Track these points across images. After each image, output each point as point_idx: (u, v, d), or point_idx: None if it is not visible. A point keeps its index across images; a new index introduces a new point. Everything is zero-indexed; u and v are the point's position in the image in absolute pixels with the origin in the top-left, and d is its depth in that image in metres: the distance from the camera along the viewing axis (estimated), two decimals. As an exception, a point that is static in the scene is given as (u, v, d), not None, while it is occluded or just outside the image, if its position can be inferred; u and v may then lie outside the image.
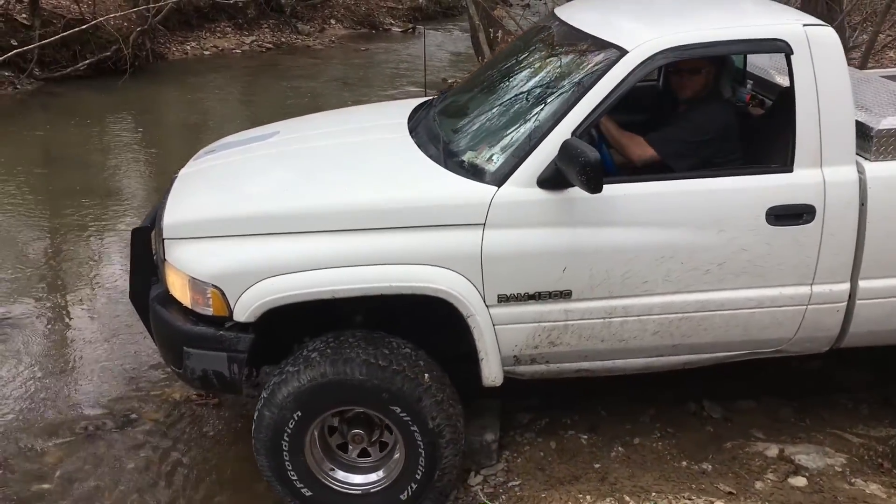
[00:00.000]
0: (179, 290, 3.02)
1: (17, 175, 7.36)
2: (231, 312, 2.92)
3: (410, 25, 15.92)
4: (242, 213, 3.06)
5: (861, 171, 3.09)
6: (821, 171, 3.06)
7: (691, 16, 3.41)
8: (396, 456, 3.11)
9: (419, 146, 3.35)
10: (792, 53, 3.05)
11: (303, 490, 3.13)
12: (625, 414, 3.75)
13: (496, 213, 2.94)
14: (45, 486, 3.50)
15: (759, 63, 3.97)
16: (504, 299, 3.01)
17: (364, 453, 3.22)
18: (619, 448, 3.54)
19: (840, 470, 3.34)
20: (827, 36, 3.10)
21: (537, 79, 3.41)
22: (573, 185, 2.88)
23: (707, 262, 3.07)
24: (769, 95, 3.77)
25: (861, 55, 7.86)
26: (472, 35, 10.48)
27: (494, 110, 3.39)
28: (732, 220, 3.04)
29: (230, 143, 3.92)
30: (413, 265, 2.93)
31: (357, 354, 2.95)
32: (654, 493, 3.16)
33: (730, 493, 3.19)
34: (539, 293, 3.03)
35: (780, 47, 3.08)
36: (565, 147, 2.84)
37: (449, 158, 3.17)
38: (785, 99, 3.18)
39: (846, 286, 3.18)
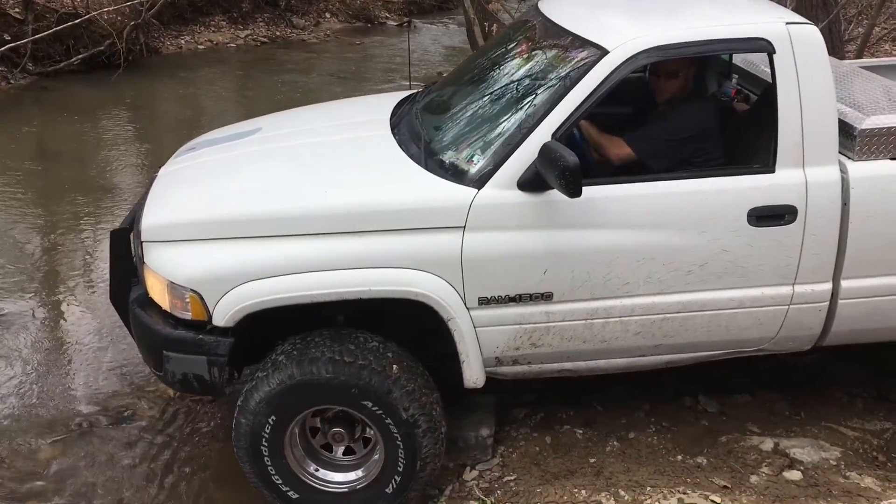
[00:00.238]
0: (158, 293, 3.01)
1: (11, 170, 7.34)
2: (210, 317, 2.91)
3: (406, 19, 15.84)
4: (220, 216, 3.05)
5: (844, 171, 3.08)
6: (803, 172, 3.05)
7: (674, 14, 3.38)
8: (377, 451, 3.11)
9: (400, 144, 3.33)
10: (774, 53, 3.03)
11: (289, 493, 3.14)
12: (620, 408, 3.76)
13: (476, 216, 2.93)
14: (39, 483, 3.51)
15: (745, 56, 3.94)
16: (485, 302, 3.01)
17: (349, 451, 3.23)
18: (615, 442, 3.55)
19: (835, 463, 3.35)
20: (810, 35, 3.07)
21: (518, 78, 3.38)
22: (553, 188, 2.86)
23: (689, 263, 3.07)
24: (755, 90, 3.74)
25: (857, 48, 7.84)
26: (468, 29, 10.43)
27: (475, 109, 3.38)
28: (714, 221, 3.03)
29: (211, 140, 3.90)
30: (392, 268, 2.92)
31: (322, 353, 2.95)
32: (649, 488, 3.17)
33: (725, 487, 3.19)
34: (520, 295, 3.02)
35: (762, 46, 3.06)
36: (544, 150, 2.83)
37: (429, 158, 3.16)
38: (767, 97, 3.16)
39: (828, 286, 3.17)
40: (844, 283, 3.17)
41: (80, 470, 3.59)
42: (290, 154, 3.51)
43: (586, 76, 2.97)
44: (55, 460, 3.65)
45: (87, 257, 5.73)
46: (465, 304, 2.99)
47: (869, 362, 3.99)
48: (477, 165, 3.02)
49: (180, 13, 13.03)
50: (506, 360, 3.17)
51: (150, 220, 3.14)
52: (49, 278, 5.41)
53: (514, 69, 3.48)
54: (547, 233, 2.97)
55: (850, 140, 3.12)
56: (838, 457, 3.40)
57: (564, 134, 2.98)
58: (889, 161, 3.12)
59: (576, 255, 3.00)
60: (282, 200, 3.10)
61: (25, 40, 9.96)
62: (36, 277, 5.39)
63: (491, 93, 3.41)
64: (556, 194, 2.88)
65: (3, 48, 9.59)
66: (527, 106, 3.10)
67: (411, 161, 3.18)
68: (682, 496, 3.10)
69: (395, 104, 3.84)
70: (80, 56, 10.68)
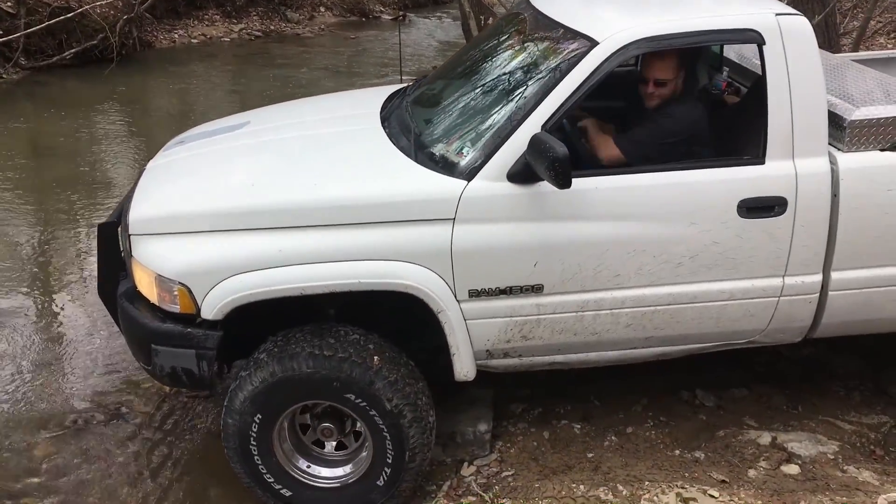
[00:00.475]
0: (146, 286, 3.00)
1: (3, 165, 7.33)
2: (199, 310, 2.90)
3: (401, 13, 15.82)
4: (208, 209, 3.03)
5: (833, 162, 3.08)
6: (793, 163, 3.04)
7: (665, 6, 3.37)
8: (366, 444, 3.11)
9: (390, 137, 3.32)
10: (764, 44, 3.02)
11: (282, 491, 3.15)
12: (617, 403, 3.76)
13: (466, 208, 2.92)
14: (35, 479, 3.50)
15: (736, 48, 3.94)
16: (475, 294, 3.00)
17: (341, 446, 3.22)
18: (612, 437, 3.56)
19: (832, 457, 3.36)
20: (800, 26, 3.06)
21: (508, 70, 3.37)
22: (543, 180, 2.86)
23: (679, 254, 3.06)
24: (746, 83, 3.74)
25: (853, 41, 7.84)
26: (463, 22, 10.42)
27: (465, 102, 3.36)
28: (704, 213, 3.03)
29: (200, 133, 3.89)
30: (382, 261, 2.91)
31: (302, 348, 2.95)
32: (647, 482, 3.18)
33: (723, 481, 3.20)
34: (510, 288, 3.02)
35: (752, 38, 3.05)
36: (534, 142, 2.82)
37: (419, 151, 3.15)
38: (758, 89, 3.16)
39: (818, 277, 3.17)
40: (834, 275, 3.17)
41: (76, 467, 3.58)
42: (279, 147, 3.50)
43: (576, 67, 2.96)
44: (50, 457, 3.64)
45: (80, 253, 5.72)
46: (455, 296, 2.98)
47: (866, 356, 3.99)
48: (467, 157, 3.01)
49: (173, 7, 13.00)
50: (497, 353, 3.17)
51: (138, 213, 3.12)
52: (42, 274, 5.40)
53: (505, 61, 3.47)
54: (537, 225, 2.97)
55: (840, 131, 3.11)
56: (836, 450, 3.41)
57: (554, 125, 2.97)
58: (879, 152, 3.12)
59: (566, 247, 2.99)
60: (270, 193, 3.08)
61: (18, 34, 9.93)
62: (29, 273, 5.37)
63: (481, 85, 3.40)
64: (546, 186, 2.87)
65: (-5, 43, 9.57)
66: (517, 98, 3.09)
67: (401, 153, 3.17)
68: (681, 491, 3.10)
69: (385, 98, 3.83)
70: (73, 50, 10.66)
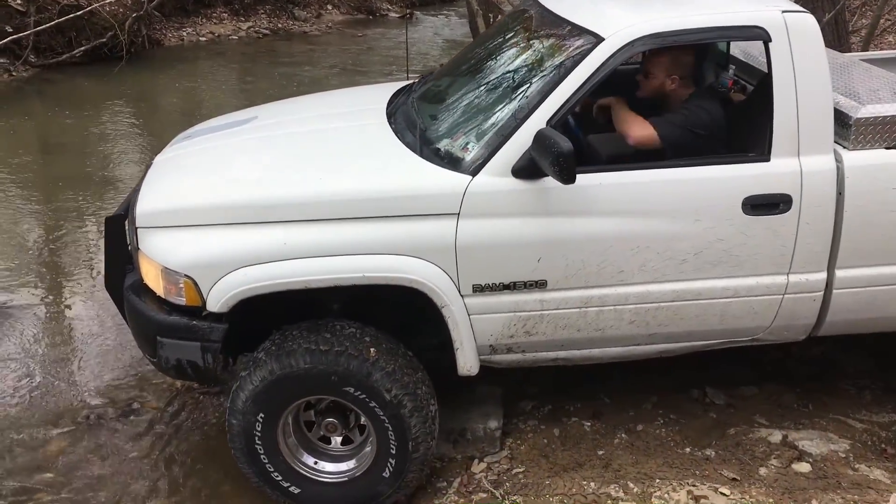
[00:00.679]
0: (153, 279, 3.02)
1: (14, 162, 7.36)
2: (204, 302, 2.91)
3: (408, 11, 15.84)
4: (215, 202, 3.05)
5: (839, 160, 3.07)
6: (798, 161, 3.04)
7: (671, 1, 3.36)
8: (370, 436, 3.12)
9: (396, 133, 3.33)
10: (770, 41, 3.02)
11: (291, 489, 3.17)
12: (627, 401, 3.76)
13: (471, 203, 2.93)
14: (48, 475, 3.52)
15: (742, 46, 3.94)
16: (479, 289, 3.01)
17: (348, 441, 3.24)
18: (623, 435, 3.56)
19: (844, 456, 3.36)
20: (806, 23, 3.06)
21: (514, 65, 3.38)
22: (548, 175, 2.86)
23: (683, 251, 3.06)
24: (752, 81, 3.74)
25: (862, 40, 7.82)
26: (471, 20, 10.43)
27: (471, 97, 3.37)
28: (708, 210, 3.02)
29: (208, 128, 3.91)
30: (387, 255, 2.92)
31: (298, 345, 2.97)
32: (658, 480, 3.18)
33: (734, 479, 3.20)
34: (514, 283, 3.02)
35: (758, 34, 3.05)
36: (539, 137, 2.83)
37: (425, 146, 3.16)
38: (763, 87, 3.16)
39: (823, 275, 3.17)
40: (839, 273, 3.16)
41: (88, 462, 3.60)
42: (285, 142, 3.51)
43: (581, 63, 2.97)
44: (63, 452, 3.66)
45: (89, 249, 5.75)
46: (459, 291, 2.99)
47: (876, 354, 3.98)
48: (472, 153, 3.02)
49: (182, 5, 13.05)
50: (500, 348, 3.17)
51: (145, 206, 3.14)
52: (53, 271, 5.42)
53: (511, 58, 3.48)
54: (541, 220, 2.97)
55: (846, 129, 3.10)
56: (847, 449, 3.40)
57: (559, 121, 2.97)
58: (885, 150, 3.11)
59: (570, 243, 2.99)
60: (276, 187, 3.10)
61: (28, 32, 9.99)
62: (40, 270, 5.40)
63: (487, 81, 3.41)
64: (550, 181, 2.88)
65: (5, 40, 9.61)
66: (522, 93, 3.09)
67: (406, 149, 3.18)
68: (692, 488, 3.10)
69: (391, 94, 3.84)
70: (83, 48, 10.71)
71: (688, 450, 3.44)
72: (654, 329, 3.20)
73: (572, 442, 3.52)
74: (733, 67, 3.85)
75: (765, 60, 3.10)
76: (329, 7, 15.18)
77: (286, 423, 3.13)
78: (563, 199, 2.96)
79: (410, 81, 4.04)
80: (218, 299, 2.90)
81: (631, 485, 3.17)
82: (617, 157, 3.28)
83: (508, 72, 3.35)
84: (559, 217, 2.98)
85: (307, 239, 2.92)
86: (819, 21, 6.37)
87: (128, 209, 3.30)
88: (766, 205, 3.03)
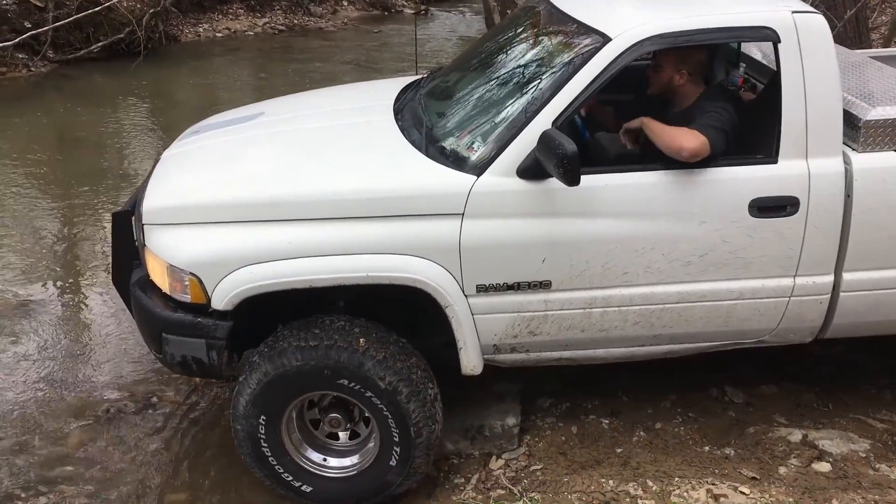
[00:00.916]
0: (159, 276, 3.04)
1: (32, 158, 7.42)
2: (209, 300, 2.93)
3: (423, 7, 15.83)
4: (220, 200, 3.06)
5: (848, 163, 3.05)
6: (806, 163, 3.02)
7: (680, 1, 3.34)
8: (373, 427, 3.13)
9: (402, 131, 3.33)
10: (779, 42, 2.99)
11: (303, 487, 3.20)
12: (646, 399, 3.76)
13: (475, 203, 2.93)
14: (69, 467, 3.55)
15: (756, 43, 3.89)
16: (483, 289, 3.01)
17: (355, 435, 3.25)
18: (641, 433, 3.55)
19: (864, 455, 3.33)
20: (816, 24, 3.03)
21: (520, 64, 3.37)
22: (553, 176, 2.86)
23: (688, 253, 3.05)
24: (763, 80, 3.70)
25: (884, 36, 7.72)
26: (486, 16, 10.40)
27: (477, 96, 3.37)
28: (714, 212, 3.01)
29: (215, 123, 3.93)
30: (391, 255, 2.93)
31: (289, 343, 2.98)
32: (677, 478, 3.17)
33: (753, 478, 3.18)
34: (518, 283, 3.02)
35: (767, 35, 3.02)
36: (544, 138, 2.82)
37: (430, 145, 3.16)
38: (772, 87, 3.13)
39: (830, 278, 3.15)
40: (846, 276, 3.14)
41: (108, 455, 3.63)
42: (291, 138, 3.53)
43: (588, 63, 2.95)
44: (84, 445, 3.69)
45: (106, 244, 5.76)
46: (463, 291, 3.00)
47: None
48: (477, 152, 3.02)
49: (199, 1, 13.10)
50: (504, 348, 3.18)
51: (151, 202, 3.16)
52: (71, 266, 5.46)
53: (518, 56, 3.48)
54: (546, 221, 2.97)
55: (855, 131, 3.08)
56: (867, 449, 3.38)
57: (565, 121, 2.97)
58: (894, 153, 3.08)
59: (574, 244, 2.99)
60: (281, 185, 3.11)
61: (46, 28, 10.07)
62: (58, 265, 5.44)
63: (493, 79, 3.40)
64: (555, 182, 2.87)
65: (24, 35, 9.70)
66: (528, 93, 3.09)
67: (412, 147, 3.18)
68: (711, 487, 3.09)
69: (399, 90, 3.84)
70: (100, 44, 10.77)
71: (707, 448, 3.43)
72: (659, 330, 3.19)
73: (590, 439, 3.52)
74: (743, 65, 3.82)
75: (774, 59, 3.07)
76: (345, 3, 15.20)
77: (289, 423, 3.15)
78: (568, 200, 2.95)
79: (419, 77, 4.04)
80: (222, 297, 2.92)
81: (650, 483, 3.16)
82: (625, 157, 3.27)
83: (515, 70, 3.35)
84: (564, 218, 2.97)
85: (311, 238, 2.93)
86: (840, 18, 6.34)
87: (134, 205, 3.32)
88: (773, 207, 3.02)
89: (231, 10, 13.55)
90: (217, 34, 12.97)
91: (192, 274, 2.92)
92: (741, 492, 3.06)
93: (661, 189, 3.00)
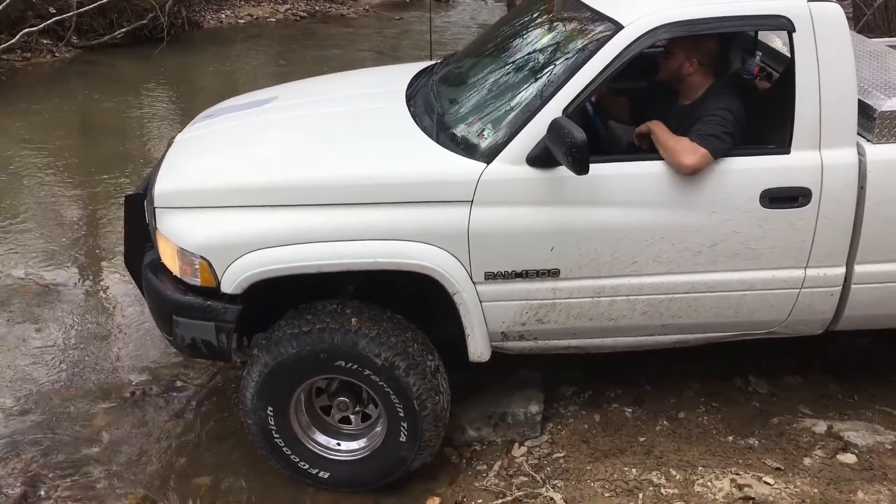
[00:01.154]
0: (169, 259, 3.07)
1: (55, 144, 7.49)
2: (219, 283, 2.96)
3: (443, -8, 15.77)
4: (231, 184, 3.09)
5: (861, 154, 3.01)
6: (819, 154, 2.99)
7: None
8: (378, 406, 3.15)
9: (414, 117, 3.34)
10: (794, 31, 2.96)
11: (320, 474, 3.24)
12: (669, 388, 3.75)
13: (484, 190, 2.93)
14: (94, 449, 3.60)
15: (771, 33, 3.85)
16: (491, 277, 3.02)
17: (367, 417, 3.28)
18: (664, 422, 3.54)
19: (890, 447, 3.30)
20: (832, 13, 2.98)
21: (533, 51, 3.36)
22: (562, 164, 2.85)
23: (698, 243, 3.04)
24: (779, 69, 3.66)
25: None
26: (508, 3, 10.35)
27: (488, 83, 3.37)
28: (725, 202, 2.99)
29: (228, 107, 3.95)
30: (399, 241, 2.94)
31: (284, 332, 3.02)
32: (700, 468, 3.16)
33: (777, 468, 3.17)
34: (526, 271, 3.03)
35: (782, 24, 2.99)
36: (553, 126, 2.81)
37: (441, 131, 3.16)
38: (787, 77, 3.10)
39: (841, 270, 3.12)
40: (858, 268, 3.11)
41: (133, 437, 3.67)
42: (302, 123, 3.54)
43: (600, 52, 2.93)
44: (109, 427, 3.74)
45: (128, 230, 5.85)
46: (471, 278, 3.00)
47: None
48: (487, 140, 3.01)
49: (221, -13, 13.16)
50: (512, 336, 3.18)
51: (163, 186, 3.19)
52: (93, 251, 5.51)
53: (529, 44, 3.46)
54: (555, 209, 2.97)
55: (870, 122, 3.04)
56: (893, 441, 3.34)
57: (576, 109, 2.95)
58: (910, 144, 3.04)
59: (583, 233, 2.99)
60: (291, 170, 3.13)
61: (70, 13, 10.16)
62: (83, 250, 5.50)
63: (504, 67, 3.40)
64: (565, 171, 2.86)
65: (48, 21, 9.79)
66: (539, 81, 3.08)
67: (423, 134, 3.18)
68: (735, 477, 3.07)
69: (412, 75, 3.84)
70: (123, 29, 10.86)
71: (730, 438, 3.41)
72: (668, 320, 3.18)
73: (613, 428, 3.52)
74: (760, 54, 3.77)
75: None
76: (366, -11, 15.20)
77: (298, 412, 3.19)
78: (578, 189, 2.95)
79: (432, 63, 4.03)
80: (232, 281, 2.94)
81: (673, 472, 3.15)
82: (638, 147, 3.25)
83: (526, 58, 3.34)
84: (573, 206, 2.97)
85: (321, 223, 2.94)
86: (869, 6, 6.22)
87: (147, 188, 3.35)
88: (784, 198, 2.99)
89: (253, -3, 13.61)
90: (239, 20, 13.02)
91: (202, 257, 2.95)
92: (765, 482, 3.04)
93: (670, 178, 2.98)
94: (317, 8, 13.99)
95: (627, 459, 3.27)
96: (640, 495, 3.03)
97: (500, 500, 3.14)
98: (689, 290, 3.12)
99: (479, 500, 3.17)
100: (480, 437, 3.53)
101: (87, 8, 10.15)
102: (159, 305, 3.15)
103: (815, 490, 3.02)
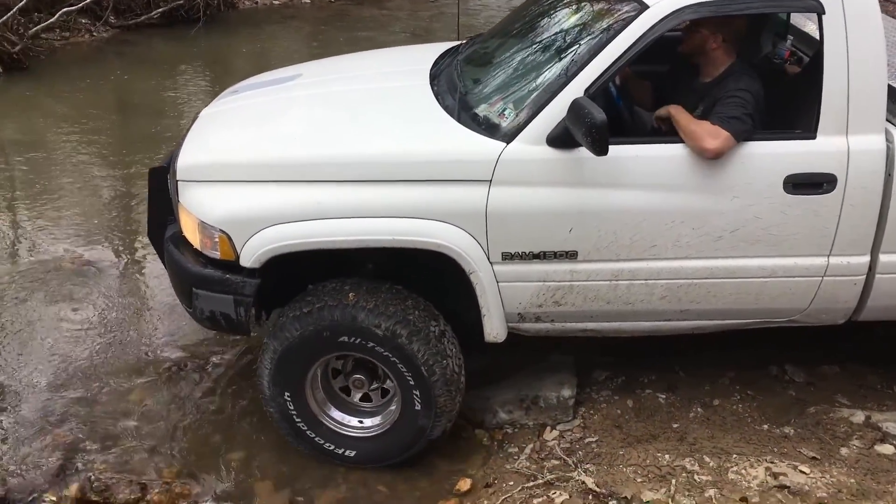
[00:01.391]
0: (190, 232, 3.11)
1: (92, 122, 7.58)
2: (238, 257, 2.99)
3: (481, -22, 15.63)
4: (252, 159, 3.12)
5: (890, 141, 2.95)
6: (846, 139, 2.93)
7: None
8: (389, 378, 3.18)
9: (436, 96, 3.33)
10: (823, 13, 2.90)
11: (346, 453, 3.28)
12: (703, 375, 3.72)
13: (503, 170, 2.92)
14: (131, 423, 3.67)
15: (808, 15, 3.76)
16: (508, 257, 3.01)
17: (385, 393, 3.30)
18: (698, 409, 3.52)
19: None
20: (864, -5, 2.92)
21: (556, 31, 3.34)
22: (582, 145, 2.83)
23: (719, 228, 3.00)
24: (810, 52, 3.59)
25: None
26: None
27: (510, 63, 3.35)
28: (747, 187, 2.95)
29: (254, 84, 3.99)
30: (417, 219, 2.94)
31: (287, 316, 3.05)
32: (735, 455, 3.13)
33: (813, 458, 3.14)
34: (544, 252, 3.02)
35: (811, 6, 2.94)
36: (574, 107, 2.79)
37: (463, 111, 3.16)
38: (816, 61, 3.04)
39: (866, 259, 3.06)
40: (883, 258, 3.06)
41: (169, 412, 3.73)
42: (326, 101, 3.57)
43: (623, 32, 2.91)
44: (145, 402, 3.80)
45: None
46: (488, 258, 3.00)
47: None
48: (508, 119, 3.00)
49: (258, -32, 13.18)
50: (528, 317, 3.18)
51: (186, 159, 3.23)
52: (132, 226, 5.56)
53: (553, 24, 3.44)
54: (574, 190, 2.95)
55: (901, 107, 2.98)
56: None
57: (599, 90, 2.93)
58: (942, 131, 2.97)
59: (602, 215, 2.97)
60: (312, 146, 3.15)
61: (109, -7, 10.28)
62: (120, 225, 5.56)
63: (528, 48, 3.37)
64: (585, 152, 2.83)
65: (87, 1, 9.91)
66: (561, 61, 3.06)
67: (444, 113, 3.18)
68: (770, 465, 3.03)
69: (438, 55, 3.83)
70: (160, 10, 10.93)
71: (765, 427, 3.38)
72: (687, 305, 3.15)
73: (646, 414, 3.50)
74: (791, 38, 3.70)
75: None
76: (402, -29, 15.12)
77: (315, 394, 3.23)
78: (598, 171, 2.93)
79: (458, 43, 4.02)
80: (251, 255, 2.97)
81: (707, 459, 3.12)
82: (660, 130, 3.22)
83: (549, 38, 3.32)
84: (592, 188, 2.95)
85: (339, 199, 2.96)
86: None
87: (171, 161, 3.40)
88: (808, 184, 2.94)
89: (289, -22, 13.62)
90: (274, 2, 13.04)
91: (221, 231, 2.98)
92: (801, 471, 2.99)
93: (692, 162, 2.95)
94: (352, -11, 13.96)
95: (660, 445, 3.25)
96: (673, 481, 3.00)
97: (532, 483, 3.13)
98: (709, 276, 3.08)
99: (511, 483, 3.17)
100: (512, 419, 3.54)
101: (124, -12, 10.27)
102: (180, 278, 3.20)
103: (852, 480, 2.97)
